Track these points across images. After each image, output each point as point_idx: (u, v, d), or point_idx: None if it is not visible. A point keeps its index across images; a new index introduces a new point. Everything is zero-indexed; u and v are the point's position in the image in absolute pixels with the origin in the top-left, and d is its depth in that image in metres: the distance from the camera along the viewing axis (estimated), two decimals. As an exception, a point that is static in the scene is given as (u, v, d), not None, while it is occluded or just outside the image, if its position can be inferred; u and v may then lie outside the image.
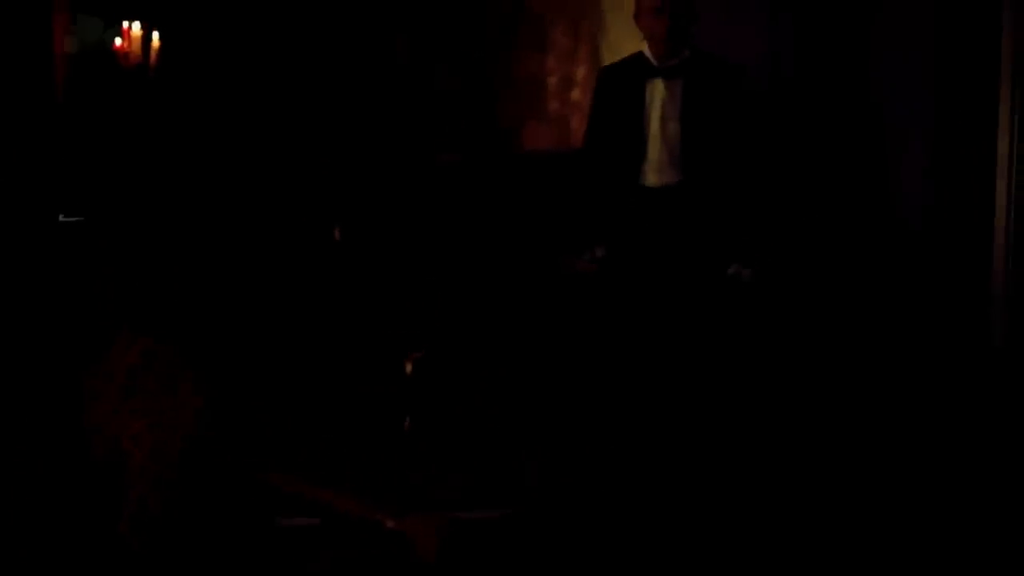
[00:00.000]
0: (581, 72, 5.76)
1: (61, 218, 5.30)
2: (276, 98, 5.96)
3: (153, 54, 6.25)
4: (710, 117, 4.38)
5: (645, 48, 4.45)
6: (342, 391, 4.51)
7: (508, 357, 4.82)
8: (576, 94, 5.73)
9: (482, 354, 4.78)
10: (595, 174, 4.51)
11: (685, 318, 4.36)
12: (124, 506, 3.25)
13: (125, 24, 6.18)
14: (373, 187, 5.59)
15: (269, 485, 3.61)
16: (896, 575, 3.72)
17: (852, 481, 4.27)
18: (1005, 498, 4.16)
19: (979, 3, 4.81)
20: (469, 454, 4.27)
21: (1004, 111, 4.78)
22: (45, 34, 5.55)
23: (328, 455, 4.10)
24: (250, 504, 3.53)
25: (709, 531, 3.93)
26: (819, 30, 5.12)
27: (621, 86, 4.46)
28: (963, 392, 4.71)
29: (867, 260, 5.02)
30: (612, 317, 4.44)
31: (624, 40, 4.99)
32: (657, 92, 4.41)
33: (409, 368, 4.29)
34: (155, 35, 6.23)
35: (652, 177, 4.42)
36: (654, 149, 4.41)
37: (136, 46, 6.21)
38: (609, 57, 5.09)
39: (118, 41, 6.20)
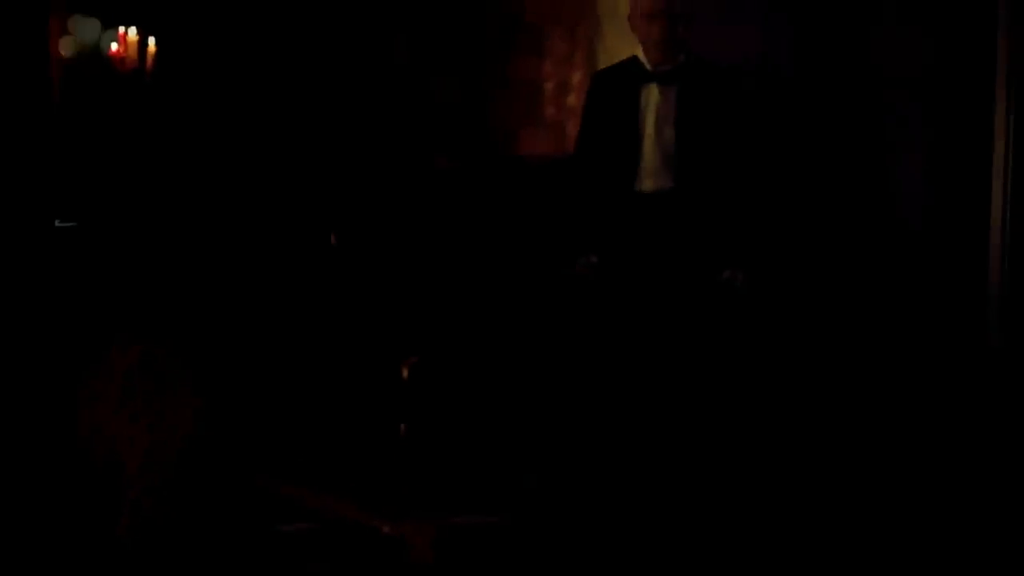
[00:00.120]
0: (577, 77, 5.76)
1: (57, 223, 5.30)
2: (272, 103, 5.96)
3: (149, 59, 6.25)
4: (705, 123, 4.37)
5: (640, 53, 4.44)
6: (338, 396, 4.51)
7: (505, 362, 4.81)
8: (572, 99, 5.73)
9: (479, 359, 4.78)
10: (588, 180, 4.51)
11: (680, 323, 4.36)
12: (122, 508, 3.26)
13: (121, 29, 6.18)
14: (370, 192, 5.59)
15: (266, 489, 3.61)
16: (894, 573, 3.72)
17: (850, 483, 4.27)
18: (1002, 497, 4.16)
19: (976, 4, 4.82)
20: (465, 459, 4.27)
21: (1000, 111, 4.78)
22: (41, 38, 5.55)
23: (325, 460, 4.10)
24: (247, 507, 3.53)
25: (706, 536, 3.93)
26: (817, 30, 5.12)
27: (615, 91, 4.46)
28: (960, 393, 4.71)
29: (863, 261, 5.02)
30: (607, 322, 4.44)
31: (620, 45, 4.98)
32: (652, 97, 4.41)
33: (405, 373, 4.29)
34: (151, 40, 6.23)
35: (646, 183, 4.41)
36: (649, 155, 4.40)
37: (132, 51, 6.21)
38: (605, 62, 5.09)
39: (114, 46, 6.20)
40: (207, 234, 5.34)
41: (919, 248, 4.95)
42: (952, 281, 4.88)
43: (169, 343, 3.68)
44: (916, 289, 4.94)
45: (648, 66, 4.41)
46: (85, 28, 6.15)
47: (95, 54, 6.24)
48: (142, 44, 6.23)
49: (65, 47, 6.06)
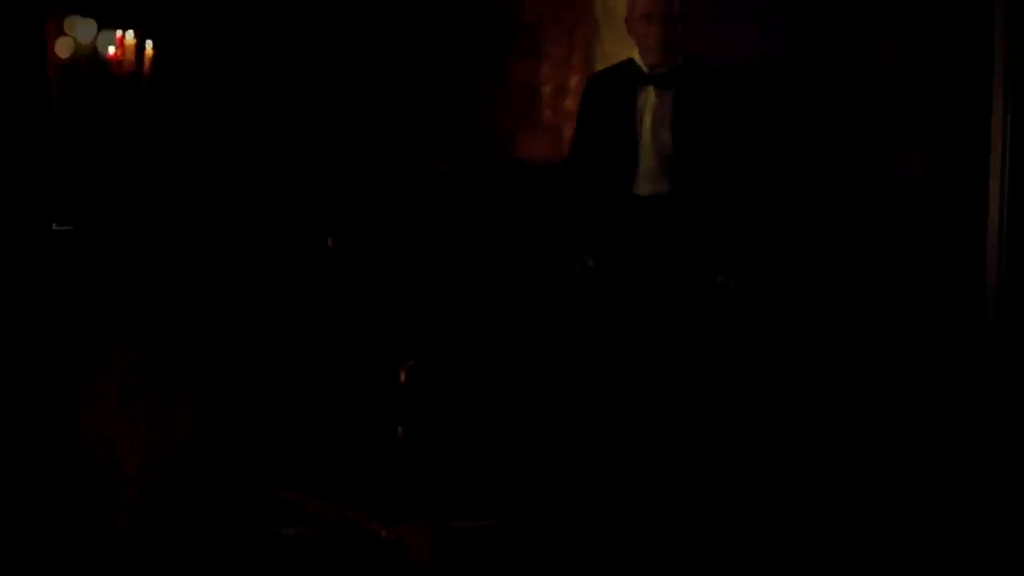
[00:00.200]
0: (575, 80, 5.76)
1: (54, 227, 5.29)
2: (270, 105, 5.96)
3: (147, 62, 6.24)
4: (702, 126, 4.36)
5: (636, 55, 4.43)
6: (336, 399, 4.51)
7: (502, 365, 4.81)
8: (570, 103, 5.72)
9: (476, 362, 4.78)
10: (583, 183, 4.50)
11: (677, 326, 4.35)
12: (120, 507, 3.27)
13: (119, 32, 6.17)
14: (367, 194, 5.58)
15: (265, 492, 3.62)
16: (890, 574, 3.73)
17: (849, 484, 4.26)
18: (1001, 497, 4.16)
19: (973, 4, 4.82)
20: (463, 463, 4.27)
21: (997, 111, 4.79)
22: (39, 39, 5.55)
23: (323, 463, 4.10)
24: (245, 510, 3.53)
25: (704, 538, 3.93)
26: (816, 30, 5.12)
27: (611, 94, 4.44)
28: (958, 393, 4.71)
29: (861, 262, 5.02)
30: (604, 325, 4.43)
31: (618, 47, 4.97)
32: (648, 100, 4.39)
33: (403, 376, 4.28)
34: (148, 43, 6.22)
35: (642, 186, 4.40)
36: (645, 158, 4.38)
37: (130, 54, 6.20)
38: (603, 65, 5.08)
39: (111, 49, 6.19)
40: (205, 237, 5.34)
41: (917, 248, 4.95)
42: (950, 281, 4.88)
43: (167, 346, 3.68)
44: (914, 289, 4.94)
45: (645, 68, 4.40)
46: (81, 29, 6.14)
47: (92, 55, 6.23)
48: (139, 47, 6.23)
49: (62, 48, 6.05)
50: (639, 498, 4.18)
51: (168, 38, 6.25)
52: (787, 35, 5.17)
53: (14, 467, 3.74)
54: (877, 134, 5.07)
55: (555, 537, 3.86)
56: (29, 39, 5.41)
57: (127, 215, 5.58)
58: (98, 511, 3.38)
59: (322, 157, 5.81)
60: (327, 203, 5.55)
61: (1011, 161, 4.77)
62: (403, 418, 4.20)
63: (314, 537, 3.60)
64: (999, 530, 3.94)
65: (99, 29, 6.19)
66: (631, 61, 4.44)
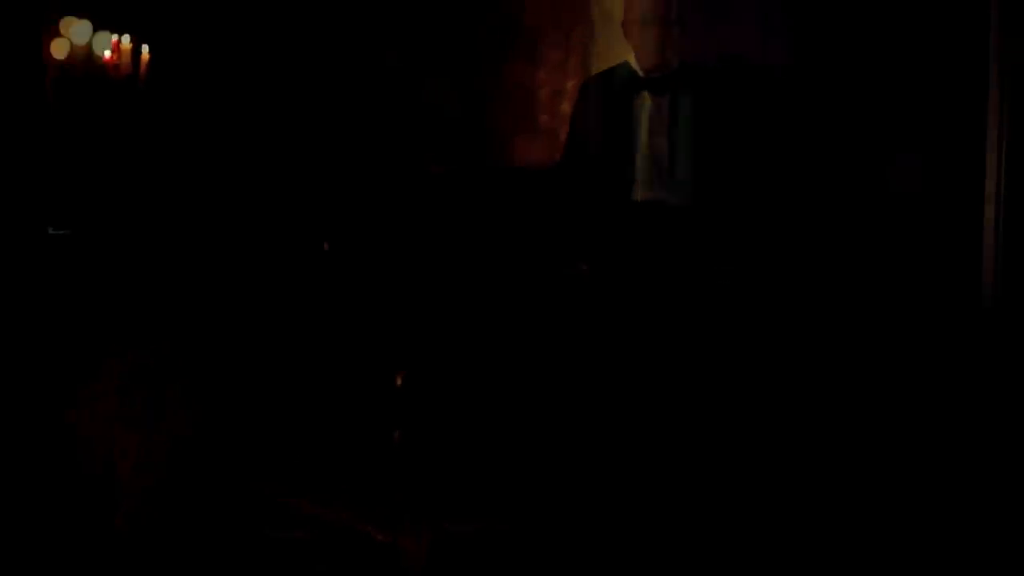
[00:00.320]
0: (571, 83, 5.76)
1: (50, 231, 5.29)
2: (265, 109, 5.96)
3: (143, 66, 6.24)
4: (698, 131, 4.35)
5: (632, 59, 4.42)
6: (331, 403, 4.50)
7: (499, 368, 4.81)
8: (567, 106, 5.72)
9: (473, 365, 4.78)
10: (578, 188, 4.49)
11: (675, 330, 4.35)
12: (117, 508, 3.27)
13: (115, 37, 6.17)
14: (363, 198, 5.58)
15: (260, 495, 3.62)
16: (892, 559, 3.72)
17: (848, 486, 4.26)
18: (998, 492, 4.16)
19: (969, 3, 4.83)
20: (459, 466, 4.26)
21: (993, 110, 4.79)
22: (35, 41, 5.55)
23: (318, 467, 4.10)
24: (241, 513, 3.53)
25: (704, 540, 3.93)
26: (814, 30, 5.13)
27: (606, 98, 4.44)
28: (956, 394, 4.71)
29: (858, 262, 5.02)
30: (600, 330, 4.43)
31: (614, 51, 4.97)
32: (644, 105, 4.39)
33: (399, 380, 4.29)
34: (144, 47, 6.23)
35: (638, 192, 4.40)
36: (641, 164, 4.38)
37: (126, 58, 6.20)
38: (599, 69, 5.09)
39: (107, 53, 6.20)
40: (201, 241, 5.34)
41: (914, 248, 4.95)
42: (947, 280, 4.88)
43: (164, 349, 3.69)
44: (911, 288, 4.94)
45: (641, 72, 4.39)
46: (76, 30, 6.14)
47: (87, 56, 6.23)
48: (135, 51, 6.23)
49: (58, 49, 6.05)
50: (638, 502, 4.18)
51: (164, 42, 6.26)
52: (785, 36, 5.17)
53: (12, 470, 3.75)
54: (873, 134, 5.07)
55: (552, 540, 3.86)
56: (26, 40, 5.42)
57: (124, 219, 5.58)
58: (95, 513, 3.39)
59: (318, 160, 5.82)
60: (323, 207, 5.55)
61: (1007, 161, 4.77)
62: (399, 421, 4.21)
63: (310, 540, 3.60)
64: (996, 522, 3.94)
65: (94, 30, 6.20)
66: (626, 65, 4.43)
